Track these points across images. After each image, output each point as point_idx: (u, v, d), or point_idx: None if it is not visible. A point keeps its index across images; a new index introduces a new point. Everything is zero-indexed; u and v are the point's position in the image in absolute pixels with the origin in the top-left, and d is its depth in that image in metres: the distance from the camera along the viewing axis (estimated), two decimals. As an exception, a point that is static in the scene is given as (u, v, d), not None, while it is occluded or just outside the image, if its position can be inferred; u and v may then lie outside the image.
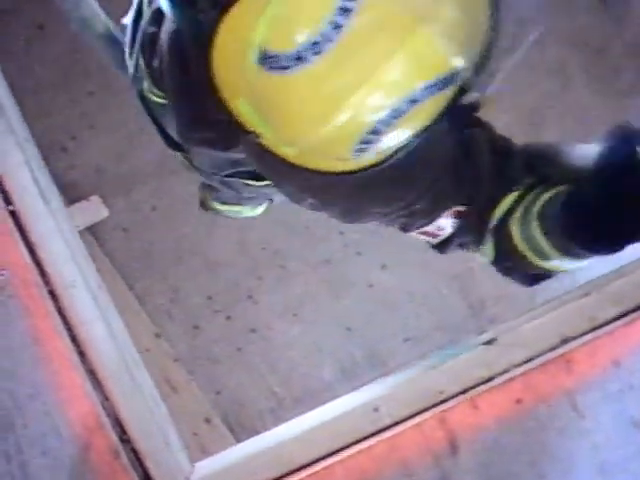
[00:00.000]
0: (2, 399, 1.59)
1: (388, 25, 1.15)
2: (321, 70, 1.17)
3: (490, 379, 1.57)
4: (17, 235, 1.64)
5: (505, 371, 1.57)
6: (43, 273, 1.63)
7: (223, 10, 1.24)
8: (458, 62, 1.20)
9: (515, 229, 1.47)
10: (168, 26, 1.54)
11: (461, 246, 1.62)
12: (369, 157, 1.29)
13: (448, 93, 1.24)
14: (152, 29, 1.65)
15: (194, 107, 1.52)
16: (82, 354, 1.62)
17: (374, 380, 1.82)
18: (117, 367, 1.65)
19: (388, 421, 1.55)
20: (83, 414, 1.59)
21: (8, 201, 1.66)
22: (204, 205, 2.36)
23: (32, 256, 1.63)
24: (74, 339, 1.62)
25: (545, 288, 1.68)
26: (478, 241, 1.55)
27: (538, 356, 1.57)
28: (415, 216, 1.56)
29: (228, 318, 3.74)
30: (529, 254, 1.47)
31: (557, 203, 1.38)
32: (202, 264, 3.73)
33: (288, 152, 1.31)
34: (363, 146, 1.25)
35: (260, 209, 2.33)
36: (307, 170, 1.33)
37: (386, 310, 3.74)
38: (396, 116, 1.21)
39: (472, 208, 1.51)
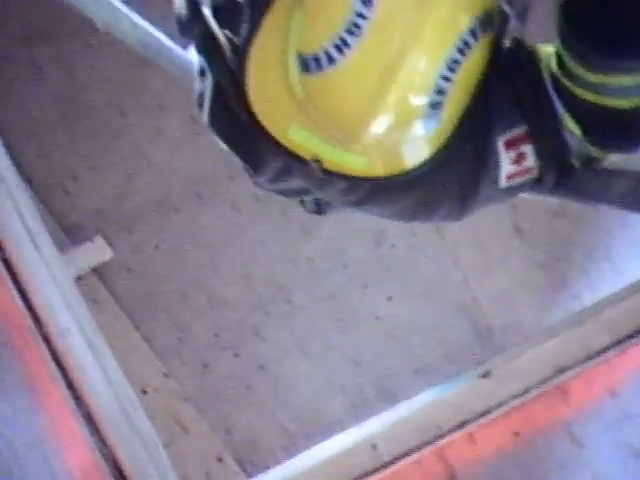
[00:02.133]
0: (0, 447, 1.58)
1: None
2: (366, 49, 1.18)
3: (487, 412, 1.57)
4: (10, 283, 1.64)
5: (502, 403, 1.57)
6: (37, 319, 1.64)
7: (244, 51, 1.27)
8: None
9: (565, 80, 1.39)
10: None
11: (555, 163, 1.52)
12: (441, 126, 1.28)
13: (491, 35, 1.24)
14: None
15: (249, 154, 1.54)
16: (78, 400, 1.62)
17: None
18: (114, 412, 1.64)
19: (387, 458, 1.55)
20: (81, 461, 1.59)
21: (0, 248, 1.66)
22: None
23: (26, 303, 1.64)
24: (70, 385, 1.62)
25: (552, 313, 1.67)
26: (558, 131, 1.47)
27: (534, 387, 1.56)
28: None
29: (236, 355, 3.73)
30: (589, 95, 1.37)
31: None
32: (208, 301, 3.72)
33: (355, 163, 1.32)
34: (434, 112, 1.25)
35: None
36: (376, 179, 1.33)
37: (394, 342, 3.72)
38: (453, 68, 1.22)
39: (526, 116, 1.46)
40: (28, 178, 3.56)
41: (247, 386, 3.72)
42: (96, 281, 3.62)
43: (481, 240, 3.82)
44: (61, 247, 3.37)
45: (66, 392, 1.61)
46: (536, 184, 1.54)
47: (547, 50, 1.43)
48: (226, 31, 1.32)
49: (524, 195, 1.71)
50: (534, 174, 1.51)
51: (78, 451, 1.58)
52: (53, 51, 3.70)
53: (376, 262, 3.78)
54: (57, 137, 3.71)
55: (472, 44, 1.24)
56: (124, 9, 2.21)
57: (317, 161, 1.30)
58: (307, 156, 1.31)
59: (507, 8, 1.30)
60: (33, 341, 1.62)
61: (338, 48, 1.17)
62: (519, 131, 1.46)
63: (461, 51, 1.22)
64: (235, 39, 1.31)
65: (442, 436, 1.56)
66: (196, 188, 3.75)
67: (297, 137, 1.29)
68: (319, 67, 1.19)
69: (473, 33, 1.24)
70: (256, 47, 1.27)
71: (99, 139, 3.71)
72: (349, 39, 1.17)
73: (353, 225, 3.78)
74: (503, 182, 1.51)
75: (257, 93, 1.30)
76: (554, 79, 1.40)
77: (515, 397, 1.57)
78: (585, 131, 1.42)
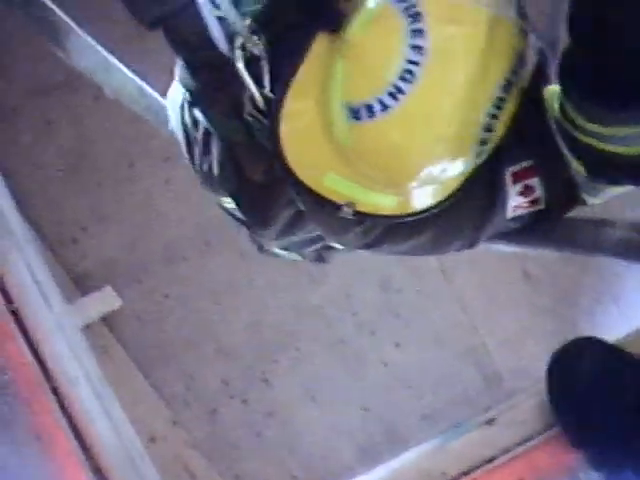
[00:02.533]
0: (8, 499, 1.59)
1: (462, 36, 1.19)
2: (420, 95, 1.18)
3: (492, 459, 1.57)
4: (18, 334, 1.66)
5: (506, 450, 1.57)
6: (45, 370, 1.65)
7: (279, 104, 1.28)
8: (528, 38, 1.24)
9: (566, 124, 1.40)
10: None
11: (563, 197, 1.56)
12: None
13: (527, 73, 1.27)
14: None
15: (259, 206, 1.59)
16: (86, 450, 1.63)
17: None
18: (122, 462, 1.66)
19: (393, 506, 1.55)
20: (89, 511, 1.59)
21: (9, 300, 1.68)
22: (261, 249, 2.36)
23: (34, 354, 1.65)
24: (78, 435, 1.63)
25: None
26: (564, 169, 1.49)
27: (539, 434, 1.57)
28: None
29: (245, 402, 3.73)
30: (591, 140, 1.37)
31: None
32: (216, 349, 3.73)
33: (388, 203, 1.34)
34: (481, 148, 1.27)
35: None
36: (404, 216, 1.36)
37: (402, 388, 3.72)
38: (499, 105, 1.24)
39: (532, 151, 1.49)
40: (37, 229, 3.59)
41: (256, 433, 3.71)
42: (105, 330, 3.63)
43: (489, 285, 3.83)
44: (70, 297, 3.40)
45: (74, 441, 1.62)
46: (541, 216, 1.57)
47: (550, 90, 1.45)
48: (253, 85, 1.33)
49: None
50: (541, 205, 1.53)
51: (86, 501, 1.59)
52: (62, 104, 3.75)
53: (383, 308, 3.79)
54: (65, 188, 3.74)
55: (514, 81, 1.25)
56: (132, 77, 2.24)
57: (351, 204, 1.31)
58: (340, 200, 1.32)
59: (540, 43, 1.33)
60: (42, 392, 1.63)
61: (392, 95, 1.17)
62: (525, 164, 1.48)
63: (506, 89, 1.23)
64: (260, 91, 1.32)
65: (447, 483, 1.56)
66: (204, 237, 3.78)
67: (331, 184, 1.30)
68: (371, 115, 1.19)
69: (515, 72, 1.25)
70: (290, 99, 1.27)
71: (107, 190, 3.74)
72: (403, 86, 1.17)
73: (360, 271, 3.80)
74: (510, 213, 1.54)
75: (291, 144, 1.30)
76: (556, 121, 1.42)
77: (520, 444, 1.57)
78: (589, 171, 1.44)
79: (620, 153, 1.34)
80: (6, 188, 1.90)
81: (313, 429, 3.72)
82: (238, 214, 1.78)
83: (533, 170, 1.48)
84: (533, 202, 1.52)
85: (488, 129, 1.24)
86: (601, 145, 1.35)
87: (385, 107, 1.17)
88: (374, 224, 1.50)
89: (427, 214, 1.38)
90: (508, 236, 1.89)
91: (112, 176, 3.72)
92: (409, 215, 1.37)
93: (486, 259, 3.79)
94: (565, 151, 1.44)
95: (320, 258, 2.05)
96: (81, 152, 3.73)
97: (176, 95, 1.78)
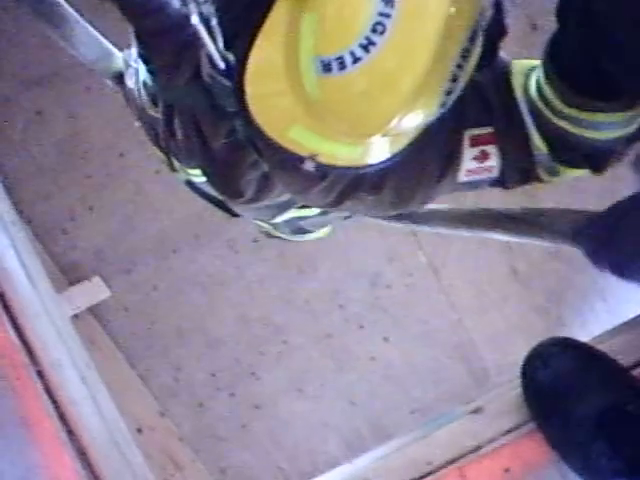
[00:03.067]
0: (-8, 482, 1.58)
1: None
2: (392, 45, 1.17)
3: (478, 448, 1.56)
4: (4, 317, 1.65)
5: (492, 440, 1.57)
6: (31, 354, 1.64)
7: (243, 61, 1.27)
8: None
9: (540, 103, 1.41)
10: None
11: (518, 170, 1.55)
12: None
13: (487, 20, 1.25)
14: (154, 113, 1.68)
15: (226, 173, 1.60)
16: (71, 433, 1.62)
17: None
18: (107, 446, 1.64)
19: (377, 494, 1.55)
20: (73, 495, 1.58)
21: (-3, 286, 1.68)
22: (269, 234, 2.37)
23: (20, 337, 1.64)
24: (63, 419, 1.62)
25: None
26: (524, 143, 1.48)
27: (525, 424, 1.56)
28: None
29: (232, 395, 3.73)
30: (562, 123, 1.39)
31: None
32: (204, 341, 3.74)
33: (352, 154, 1.32)
34: (446, 98, 1.25)
35: (324, 230, 2.32)
36: (363, 166, 1.34)
37: (390, 383, 3.73)
38: (466, 56, 1.22)
39: (493, 118, 1.48)
40: (27, 218, 3.59)
41: (242, 426, 3.72)
42: (93, 320, 3.63)
43: (477, 281, 3.84)
44: (58, 287, 3.40)
45: (59, 425, 1.61)
46: (496, 184, 1.57)
47: (519, 67, 1.46)
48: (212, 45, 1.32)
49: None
50: (494, 174, 1.53)
51: (70, 485, 1.58)
52: (53, 94, 3.74)
53: (372, 303, 3.79)
54: (56, 178, 3.73)
55: (479, 33, 1.25)
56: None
57: (314, 156, 1.30)
58: (303, 152, 1.30)
59: None
60: (27, 375, 1.62)
61: (364, 47, 1.16)
62: (485, 130, 1.48)
63: (472, 40, 1.22)
64: (222, 53, 1.32)
65: (432, 472, 1.55)
66: (194, 229, 3.77)
67: (296, 136, 1.29)
68: (342, 67, 1.17)
69: (479, 23, 1.25)
70: (255, 55, 1.27)
71: (98, 180, 3.73)
72: (374, 38, 1.15)
73: (349, 266, 3.80)
74: (462, 176, 1.53)
75: (256, 99, 1.29)
76: (528, 98, 1.43)
77: (506, 433, 1.57)
78: (552, 150, 1.45)
79: (588, 137, 1.36)
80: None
81: (300, 422, 3.73)
82: (209, 190, 1.80)
83: (492, 137, 1.48)
84: (487, 170, 1.53)
85: (454, 79, 1.24)
86: (573, 129, 1.37)
87: (356, 59, 1.16)
88: (337, 178, 1.51)
89: (388, 163, 1.36)
90: (499, 226, 1.90)
91: (102, 167, 3.71)
92: (371, 166, 1.35)
93: (475, 256, 3.80)
94: (530, 127, 1.45)
95: (300, 231, 2.07)
96: (72, 143, 3.72)
97: (132, 80, 1.80)
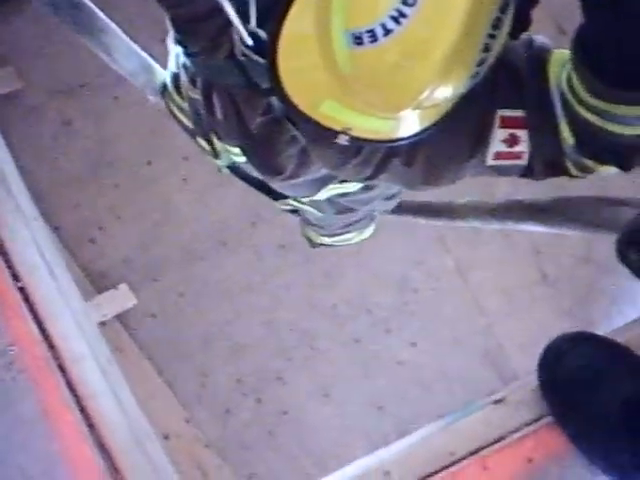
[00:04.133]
0: (13, 474, 1.59)
1: None
2: (423, 16, 1.17)
3: (501, 439, 1.55)
4: (26, 311, 1.66)
5: (516, 430, 1.55)
6: (52, 347, 1.65)
7: (276, 35, 1.28)
8: None
9: (569, 94, 1.38)
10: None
11: (547, 160, 1.52)
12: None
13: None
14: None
15: (265, 150, 1.63)
16: (92, 427, 1.62)
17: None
18: (127, 440, 1.64)
19: (400, 485, 1.53)
20: (94, 488, 1.58)
21: (17, 278, 1.68)
22: (312, 243, 2.39)
23: (41, 331, 1.65)
24: (83, 412, 1.62)
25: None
26: (553, 132, 1.45)
27: (547, 414, 1.55)
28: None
29: (258, 401, 3.73)
30: (589, 116, 1.36)
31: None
32: (230, 348, 3.74)
33: (383, 128, 1.33)
34: (478, 69, 1.25)
35: (368, 231, 2.33)
36: (396, 139, 1.36)
37: (418, 388, 3.71)
38: (497, 25, 1.22)
39: (526, 101, 1.46)
40: (55, 227, 3.61)
41: (269, 432, 3.71)
42: (120, 328, 3.64)
43: (506, 285, 3.81)
44: (86, 295, 3.42)
45: (80, 419, 1.61)
46: (523, 173, 1.54)
47: (556, 55, 1.44)
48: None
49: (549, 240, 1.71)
50: (523, 160, 1.51)
51: (90, 478, 1.58)
52: (82, 104, 3.78)
53: (399, 307, 3.78)
54: (84, 187, 3.77)
55: (510, 3, 1.24)
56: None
57: (347, 130, 1.31)
58: (337, 127, 1.31)
59: None
60: (48, 368, 1.63)
61: (394, 19, 1.16)
62: (517, 113, 1.47)
63: (503, 9, 1.22)
64: (246, 27, 1.34)
65: (455, 463, 1.54)
66: (220, 236, 3.79)
67: (329, 110, 1.30)
68: (374, 40, 1.17)
69: None
70: (287, 30, 1.27)
71: (125, 189, 3.77)
72: (405, 9, 1.15)
73: (376, 271, 3.79)
74: (490, 159, 1.52)
75: (289, 74, 1.30)
76: (559, 88, 1.41)
77: (528, 424, 1.55)
78: (578, 142, 1.43)
79: (613, 132, 1.33)
80: (14, 165, 1.89)
81: (327, 428, 3.72)
82: (251, 172, 1.83)
83: (523, 121, 1.46)
84: (516, 155, 1.51)
85: (486, 49, 1.23)
86: (599, 122, 1.33)
87: (387, 31, 1.16)
88: (371, 153, 1.52)
89: (421, 137, 1.36)
90: (531, 217, 1.88)
91: (130, 176, 3.74)
92: (403, 139, 1.36)
93: (503, 260, 3.78)
94: (560, 117, 1.43)
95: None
96: (100, 152, 3.76)
97: (170, 68, 1.85)
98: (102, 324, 3.49)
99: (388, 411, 3.71)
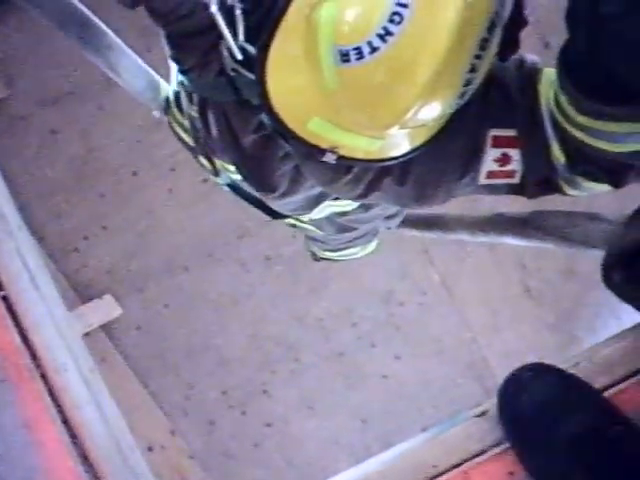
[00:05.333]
0: (-6, 485, 1.58)
1: None
2: (409, 36, 1.18)
3: (483, 451, 1.55)
4: (9, 320, 1.65)
5: (497, 443, 1.55)
6: (35, 357, 1.64)
7: (264, 52, 1.30)
8: None
9: (558, 113, 1.39)
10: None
11: (539, 178, 1.51)
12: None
13: (507, 13, 1.26)
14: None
15: (259, 167, 1.64)
16: (74, 437, 1.61)
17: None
18: (109, 451, 1.63)
19: (382, 498, 1.53)
20: (75, 499, 1.57)
21: (0, 286, 1.68)
22: (315, 257, 2.39)
23: (24, 340, 1.64)
24: (66, 422, 1.61)
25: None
26: (545, 151, 1.46)
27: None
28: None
29: (243, 413, 3.72)
30: (578, 134, 1.36)
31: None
32: (216, 360, 3.73)
33: (371, 147, 1.33)
34: (465, 89, 1.26)
35: (371, 246, 2.33)
36: (385, 159, 1.37)
37: (402, 401, 3.71)
38: (484, 46, 1.23)
39: (517, 121, 1.47)
40: (40, 237, 3.60)
41: (254, 444, 3.70)
42: (104, 338, 3.63)
43: (490, 299, 3.82)
44: (70, 305, 3.41)
45: (62, 429, 1.60)
46: (516, 191, 1.55)
47: (546, 74, 1.44)
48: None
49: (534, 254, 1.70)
50: (516, 179, 1.51)
51: (72, 489, 1.57)
52: (67, 114, 3.77)
53: (384, 321, 3.78)
54: (69, 197, 3.76)
55: (498, 23, 1.24)
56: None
57: (335, 148, 1.32)
58: (324, 145, 1.32)
59: None
60: (30, 378, 1.62)
61: (381, 37, 1.17)
62: (509, 133, 1.47)
63: (490, 30, 1.22)
64: (236, 42, 1.36)
65: (437, 476, 1.54)
66: (206, 248, 3.78)
67: (316, 128, 1.31)
68: (360, 57, 1.19)
69: (497, 13, 1.24)
70: (276, 46, 1.29)
71: (111, 199, 3.76)
72: (392, 28, 1.17)
73: (362, 284, 3.79)
74: (482, 178, 1.52)
75: (277, 90, 1.31)
76: (548, 108, 1.42)
77: (510, 437, 1.55)
78: (569, 160, 1.43)
79: (603, 149, 1.34)
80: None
81: (311, 440, 3.71)
82: (250, 190, 1.82)
83: (515, 141, 1.46)
84: (508, 174, 1.51)
85: (472, 69, 1.24)
86: (587, 139, 1.34)
87: (374, 49, 1.18)
88: (363, 171, 1.53)
89: (410, 157, 1.38)
90: (510, 230, 1.88)
91: (116, 186, 3.73)
92: (392, 159, 1.37)
93: (488, 274, 3.78)
94: (551, 136, 1.43)
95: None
96: (85, 161, 3.75)
97: (172, 86, 1.84)
98: (87, 334, 3.47)
99: (372, 424, 3.71)
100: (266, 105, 1.32)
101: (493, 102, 1.43)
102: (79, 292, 3.65)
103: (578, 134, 1.36)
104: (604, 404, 1.50)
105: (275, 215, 1.99)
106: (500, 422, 1.54)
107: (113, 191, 3.74)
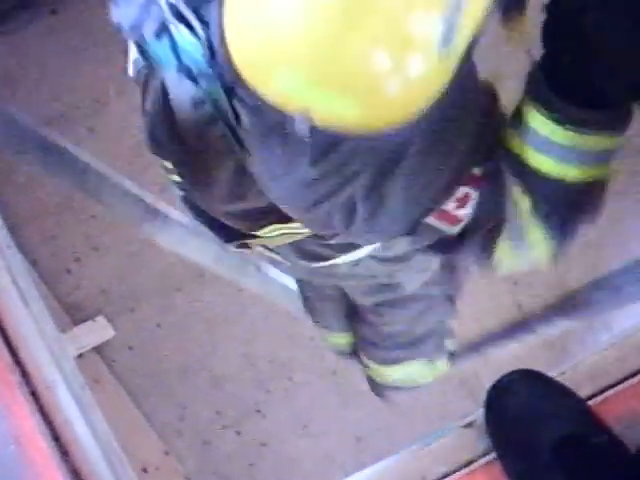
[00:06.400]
0: (-16, 503, 1.58)
1: None
2: None
3: (470, 462, 1.56)
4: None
5: (485, 454, 1.57)
6: (24, 373, 1.65)
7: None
8: None
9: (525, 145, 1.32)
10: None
11: (485, 230, 1.41)
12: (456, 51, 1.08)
13: None
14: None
15: (200, 168, 1.43)
16: (65, 454, 1.62)
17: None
18: (100, 467, 1.64)
19: (371, 510, 1.54)
20: (66, 515, 1.58)
21: (-5, 317, 1.69)
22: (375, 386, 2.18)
23: (13, 357, 1.65)
24: (56, 439, 1.62)
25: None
26: (505, 193, 1.36)
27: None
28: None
29: (238, 433, 3.72)
30: (547, 161, 1.31)
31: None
32: (209, 379, 3.73)
33: (350, 114, 1.07)
34: (449, 34, 1.04)
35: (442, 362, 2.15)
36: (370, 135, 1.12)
37: (396, 418, 3.70)
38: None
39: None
40: (31, 259, 3.61)
41: (249, 464, 3.69)
42: (98, 360, 3.63)
43: (481, 316, 3.83)
44: (63, 326, 3.42)
45: (53, 446, 1.61)
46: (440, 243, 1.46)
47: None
48: None
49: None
50: (456, 227, 1.41)
51: (63, 506, 1.58)
52: (58, 135, 3.78)
53: (377, 339, 3.78)
54: (60, 219, 3.77)
55: None
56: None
57: (306, 112, 1.06)
58: (293, 107, 1.07)
59: None
60: (20, 394, 1.63)
61: None
62: (476, 171, 1.37)
63: None
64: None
65: (426, 486, 1.55)
66: (198, 267, 3.77)
67: (283, 84, 1.06)
68: None
69: None
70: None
71: (102, 220, 3.76)
72: None
73: (354, 301, 3.80)
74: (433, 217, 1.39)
75: (237, 38, 1.09)
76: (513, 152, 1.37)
77: (498, 447, 1.56)
78: (534, 203, 1.38)
79: (572, 177, 1.31)
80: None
81: (306, 459, 3.71)
82: (184, 191, 1.66)
83: (479, 182, 1.36)
84: (454, 220, 1.39)
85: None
86: (556, 167, 1.31)
87: None
88: (339, 162, 1.21)
89: (403, 136, 1.16)
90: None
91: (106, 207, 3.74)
92: (381, 136, 1.12)
93: (479, 290, 3.79)
94: (510, 182, 1.36)
95: None
96: (76, 183, 3.76)
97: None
98: (80, 356, 3.48)
99: (366, 442, 3.71)
100: (223, 52, 1.11)
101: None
102: (71, 313, 3.66)
103: (546, 162, 1.33)
104: (588, 412, 1.52)
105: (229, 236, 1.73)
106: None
107: (103, 213, 3.75)
